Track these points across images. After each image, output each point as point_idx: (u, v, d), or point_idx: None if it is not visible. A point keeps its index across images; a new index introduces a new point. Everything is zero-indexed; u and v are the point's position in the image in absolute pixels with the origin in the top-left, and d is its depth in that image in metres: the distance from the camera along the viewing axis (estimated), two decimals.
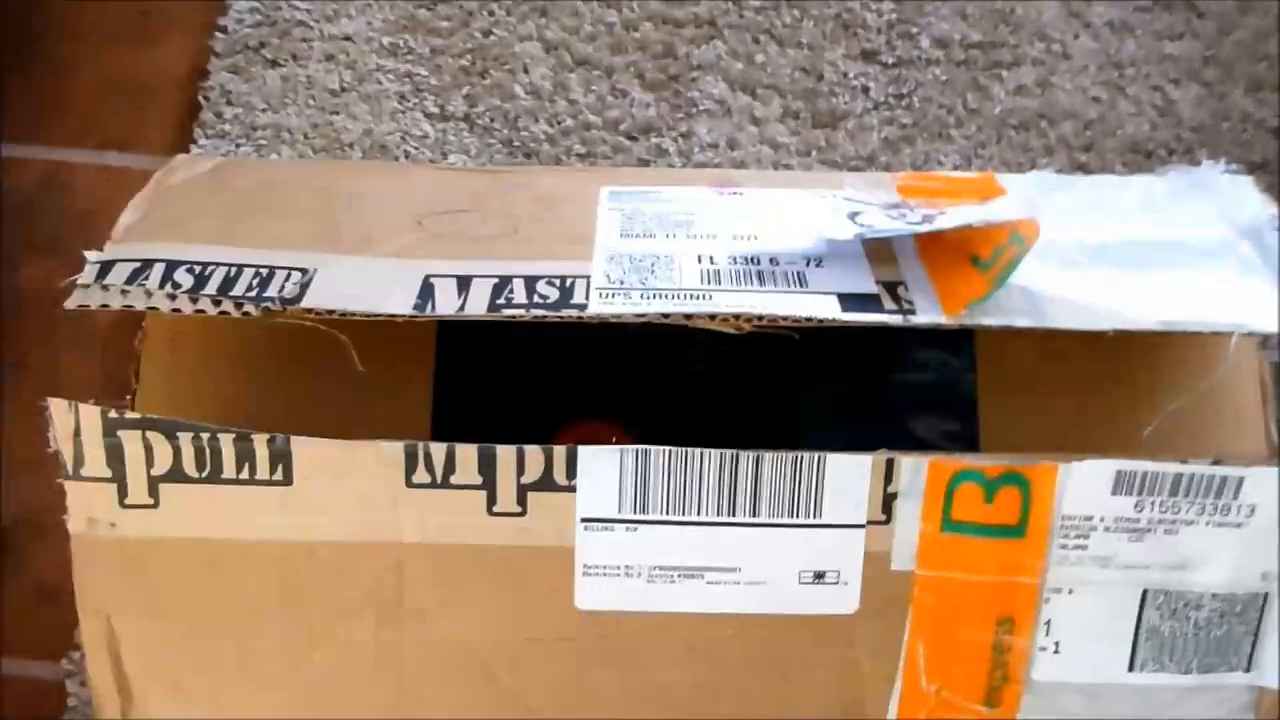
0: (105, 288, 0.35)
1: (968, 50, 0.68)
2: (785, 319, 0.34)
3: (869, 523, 0.35)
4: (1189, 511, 0.35)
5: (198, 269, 0.36)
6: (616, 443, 0.34)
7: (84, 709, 0.57)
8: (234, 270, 0.36)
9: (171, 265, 0.36)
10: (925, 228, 0.36)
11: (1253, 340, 0.41)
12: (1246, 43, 0.69)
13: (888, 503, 0.35)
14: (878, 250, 0.37)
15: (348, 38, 0.66)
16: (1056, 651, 0.37)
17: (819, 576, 0.36)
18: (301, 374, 0.42)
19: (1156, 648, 0.37)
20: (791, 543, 0.35)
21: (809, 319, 0.34)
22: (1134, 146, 0.67)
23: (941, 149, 0.66)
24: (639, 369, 0.48)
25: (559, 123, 0.65)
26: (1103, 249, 0.38)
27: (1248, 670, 0.37)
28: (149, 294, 0.35)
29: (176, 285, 0.35)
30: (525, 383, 0.47)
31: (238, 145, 0.64)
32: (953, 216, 0.37)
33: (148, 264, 0.36)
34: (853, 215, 0.38)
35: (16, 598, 0.58)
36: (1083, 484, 0.35)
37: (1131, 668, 0.37)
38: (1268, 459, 0.39)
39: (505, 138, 0.65)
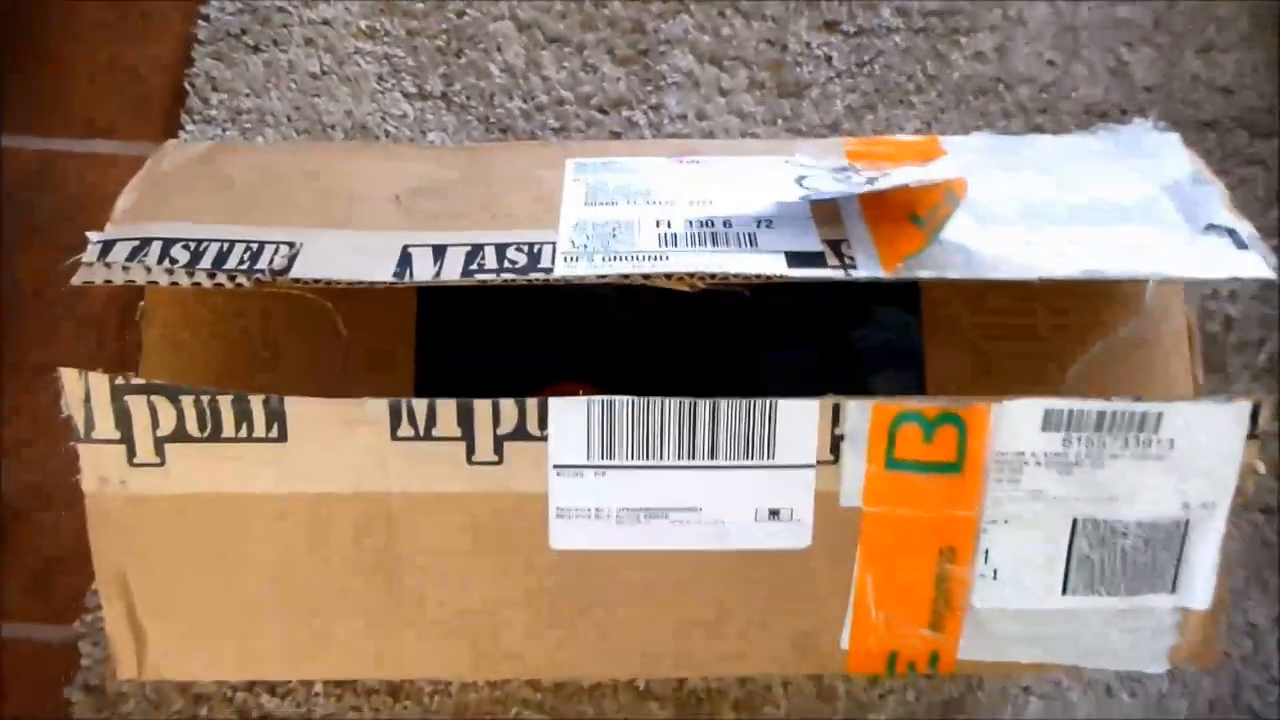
0: (107, 265, 0.38)
1: (927, 18, 0.71)
2: (736, 276, 0.37)
3: (818, 463, 0.38)
4: (1114, 446, 0.38)
5: (193, 245, 0.39)
6: (584, 395, 0.37)
7: (96, 668, 0.60)
8: (226, 246, 0.39)
9: (168, 243, 0.39)
10: (866, 188, 0.39)
11: (1179, 288, 0.44)
12: (1197, 6, 0.71)
13: (835, 444, 0.38)
14: (825, 212, 0.40)
15: (326, 22, 0.69)
16: (995, 579, 0.40)
17: (774, 514, 0.39)
18: (291, 342, 0.45)
19: (1087, 573, 0.40)
20: (747, 483, 0.38)
21: (758, 275, 0.37)
22: (1088, 108, 0.69)
23: (903, 115, 0.69)
24: (612, 340, 0.51)
25: (533, 99, 0.68)
26: (1034, 206, 0.41)
27: (1173, 592, 0.40)
28: (148, 269, 0.38)
29: (173, 261, 0.38)
30: (502, 351, 0.50)
31: (224, 129, 0.66)
32: (893, 178, 0.39)
33: (146, 242, 0.39)
34: (800, 179, 0.41)
35: (27, 567, 0.61)
36: (1014, 422, 0.38)
37: (1065, 592, 0.40)
38: (1191, 396, 0.42)
39: (482, 115, 0.67)
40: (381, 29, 0.69)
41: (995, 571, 0.40)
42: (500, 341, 0.50)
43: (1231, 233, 0.39)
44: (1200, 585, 0.40)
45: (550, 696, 0.59)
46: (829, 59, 0.70)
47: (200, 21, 0.69)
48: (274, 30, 0.68)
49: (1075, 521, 0.39)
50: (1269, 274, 0.38)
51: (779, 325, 0.50)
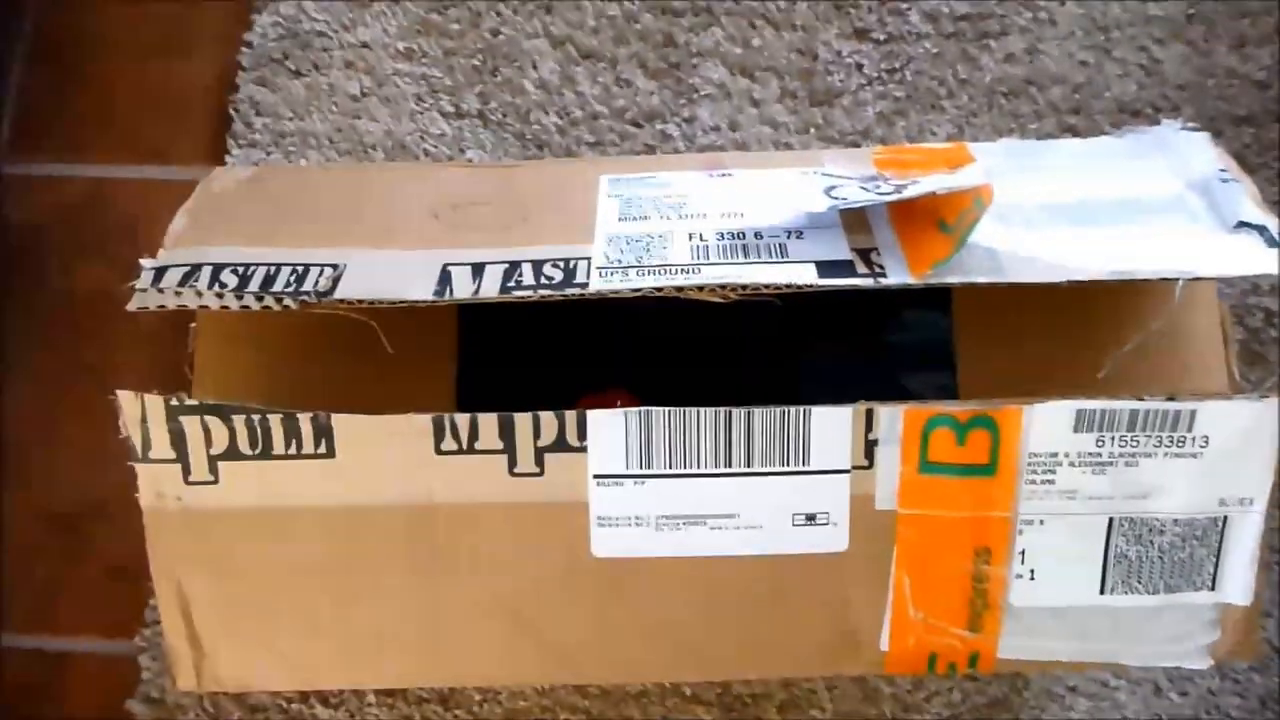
0: (161, 290, 0.39)
1: (956, 22, 0.71)
2: (767, 287, 0.38)
3: (853, 468, 0.39)
4: (1147, 444, 0.39)
5: (241, 269, 0.40)
6: (621, 405, 0.38)
7: (156, 680, 0.62)
8: (273, 269, 0.40)
9: (218, 268, 0.40)
10: (894, 197, 0.39)
11: (1211, 286, 0.44)
12: (1228, 1, 0.71)
13: (869, 449, 0.39)
14: (853, 221, 0.41)
15: (365, 45, 0.70)
16: (1032, 578, 0.40)
17: (810, 519, 0.39)
18: (337, 359, 0.46)
19: (1125, 571, 0.40)
20: (784, 489, 0.39)
21: (789, 285, 0.38)
22: (1121, 107, 0.69)
23: (935, 120, 0.69)
24: (649, 347, 0.52)
25: (568, 114, 0.69)
26: (1062, 208, 0.41)
27: (1212, 589, 0.41)
28: (199, 294, 0.39)
29: (223, 285, 0.39)
30: (541, 362, 0.51)
31: (268, 153, 0.68)
32: (921, 185, 0.40)
33: (197, 268, 0.40)
34: (829, 189, 0.41)
35: (86, 580, 0.63)
36: (1046, 423, 0.38)
37: (1103, 590, 0.40)
38: (1224, 393, 0.43)
39: (518, 131, 0.69)
40: (419, 50, 0.70)
41: (1032, 571, 0.40)
42: (539, 353, 0.51)
43: (1262, 230, 0.39)
44: (1239, 581, 0.40)
45: (597, 702, 0.60)
46: (859, 66, 0.70)
47: (243, 48, 0.71)
48: (314, 54, 0.70)
49: (1111, 520, 0.40)
50: None
51: (812, 328, 0.51)
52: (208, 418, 0.38)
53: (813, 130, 0.69)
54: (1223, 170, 0.42)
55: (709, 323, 0.51)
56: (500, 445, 0.39)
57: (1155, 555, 0.40)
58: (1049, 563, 0.40)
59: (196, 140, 0.70)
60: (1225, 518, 0.40)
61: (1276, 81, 0.69)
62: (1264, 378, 0.61)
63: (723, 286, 0.38)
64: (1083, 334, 0.45)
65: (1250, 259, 0.38)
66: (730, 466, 0.39)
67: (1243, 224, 0.39)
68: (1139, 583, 0.40)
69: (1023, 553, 0.40)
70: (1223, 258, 0.38)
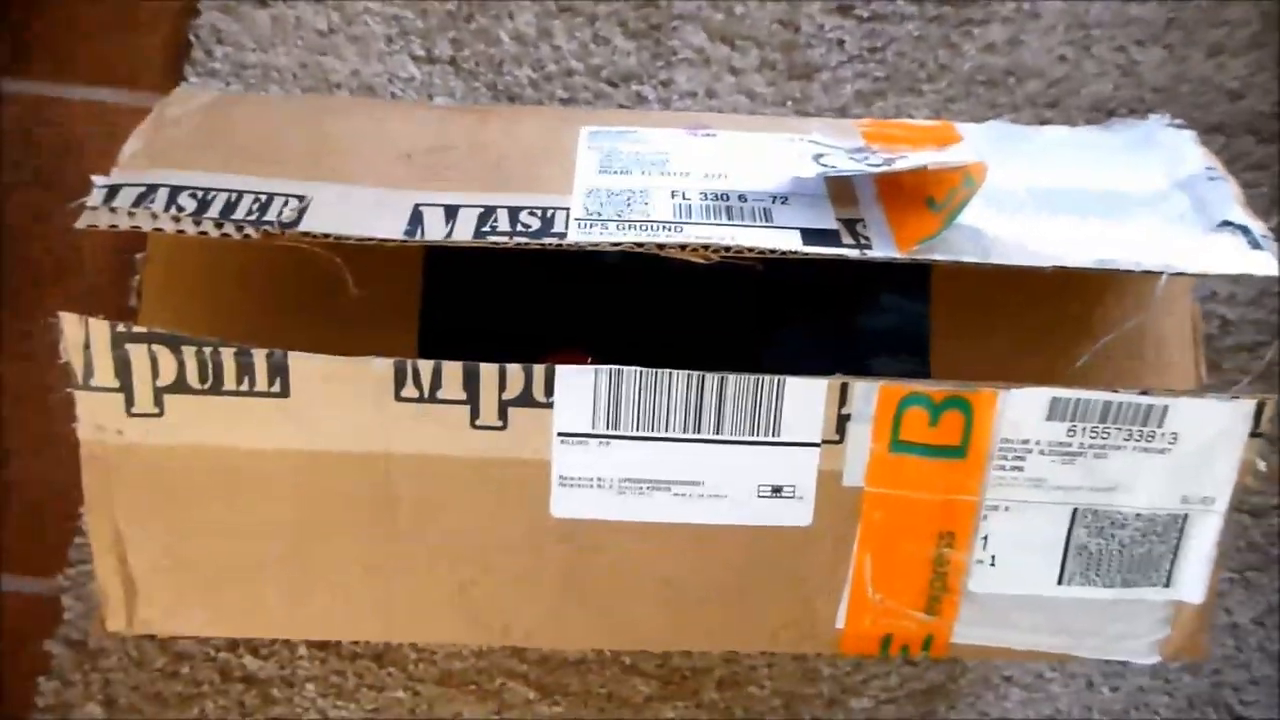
0: (112, 210, 0.37)
1: (940, 6, 0.71)
2: (751, 250, 0.37)
3: (823, 442, 0.38)
4: (1117, 437, 0.38)
5: (200, 194, 0.38)
6: (585, 363, 0.37)
7: (78, 622, 0.59)
8: (234, 196, 0.38)
9: (175, 190, 0.38)
10: (884, 169, 0.38)
11: (1188, 284, 0.44)
12: (1208, 8, 0.71)
13: (841, 423, 0.38)
14: (840, 191, 0.40)
15: None
16: (992, 565, 0.40)
17: (776, 491, 0.39)
18: (297, 296, 0.44)
19: (1084, 563, 0.40)
20: (752, 459, 0.38)
21: (773, 250, 0.37)
22: (1097, 105, 0.69)
23: (912, 103, 0.69)
24: (617, 310, 0.51)
25: (542, 68, 0.67)
26: (1048, 195, 0.41)
27: (1167, 585, 0.41)
28: (154, 216, 0.37)
29: (180, 208, 0.37)
30: (507, 315, 0.50)
31: (227, 84, 0.65)
32: (910, 160, 0.39)
33: (152, 188, 0.38)
34: (817, 157, 0.40)
35: (9, 518, 0.61)
36: (1020, 410, 0.38)
37: (1061, 581, 0.40)
38: (1197, 391, 0.43)
39: (490, 82, 0.67)
40: None
41: (993, 558, 0.40)
42: (505, 305, 0.49)
43: (1245, 230, 0.39)
44: (1194, 579, 0.40)
45: (535, 668, 0.60)
46: (841, 43, 0.69)
47: None
48: None
49: (1075, 511, 0.39)
50: None
51: (785, 305, 0.50)
52: (155, 346, 0.36)
53: (790, 103, 0.68)
54: (1210, 168, 0.42)
55: (679, 288, 0.50)
56: (463, 395, 0.37)
57: (1115, 549, 0.40)
58: (1010, 550, 0.40)
59: (151, 65, 0.67)
60: (1186, 515, 0.40)
61: (1250, 91, 0.69)
62: (1216, 384, 0.62)
63: (705, 247, 0.37)
64: (1058, 323, 0.45)
65: (1233, 259, 0.38)
66: (699, 433, 0.38)
67: (1226, 223, 0.39)
68: (1097, 575, 0.40)
69: (985, 538, 0.39)
70: (1206, 256, 0.38)
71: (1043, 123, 0.68)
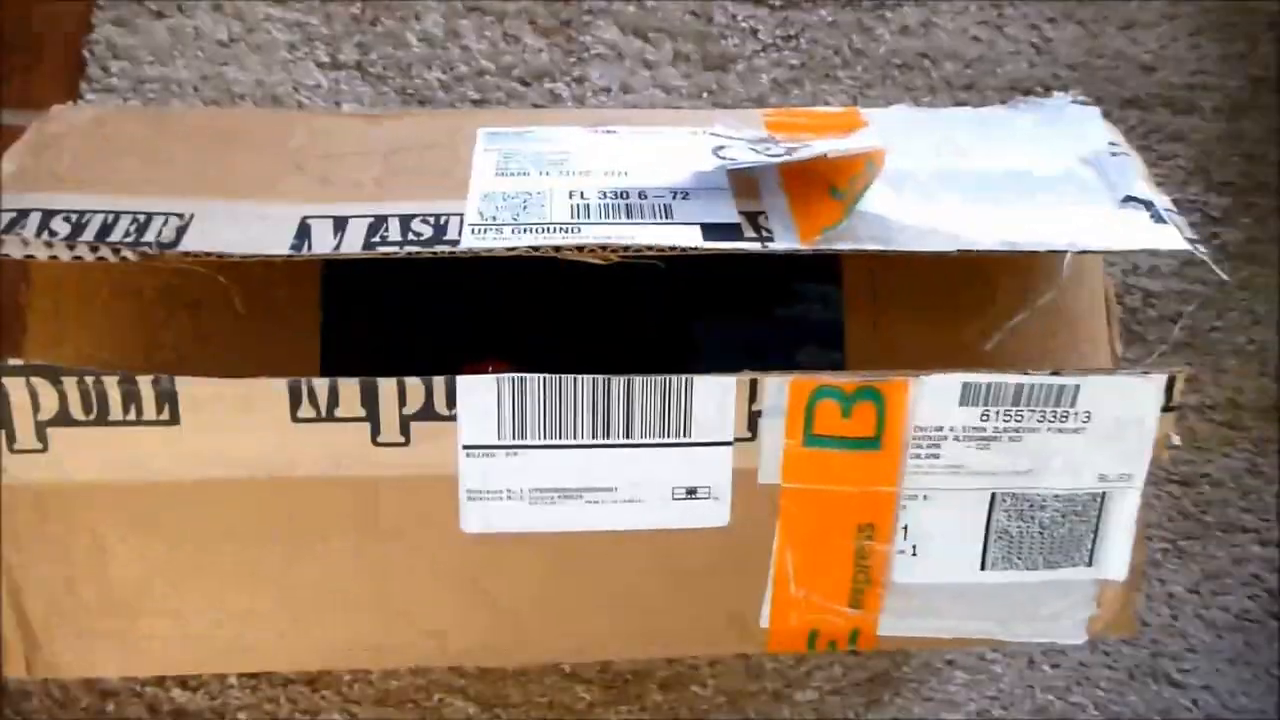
0: None
1: None
2: (650, 248, 0.36)
3: (736, 440, 0.37)
4: (1031, 419, 0.38)
5: (74, 217, 0.36)
6: (494, 373, 0.36)
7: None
8: (111, 217, 0.36)
9: (48, 214, 0.36)
10: (784, 159, 0.38)
11: (1098, 260, 0.44)
12: None
13: (753, 420, 0.37)
14: (743, 184, 0.39)
15: None
16: (914, 554, 0.39)
17: (691, 492, 0.38)
18: (188, 317, 0.43)
19: (1006, 547, 0.40)
20: (664, 461, 0.37)
21: (672, 247, 0.36)
22: (1013, 84, 0.69)
23: (829, 90, 0.68)
24: (529, 317, 0.50)
25: (452, 69, 0.66)
26: (953, 177, 0.40)
27: (1090, 565, 0.40)
28: (25, 243, 0.35)
29: (53, 233, 0.36)
30: (414, 330, 0.49)
31: (125, 99, 0.63)
32: (812, 148, 0.39)
33: (24, 214, 0.36)
34: (717, 150, 0.40)
35: None
36: (933, 396, 0.37)
37: (984, 567, 0.40)
38: (1108, 369, 0.42)
39: (399, 86, 0.65)
40: None
41: (914, 547, 0.39)
42: (411, 320, 0.48)
43: (1149, 205, 0.39)
44: (1117, 557, 0.40)
45: (474, 682, 0.58)
46: (755, 32, 0.69)
47: None
48: None
49: (994, 495, 0.39)
50: (1184, 246, 0.38)
51: (701, 299, 0.49)
52: (34, 379, 0.35)
53: (706, 95, 0.67)
54: (1113, 144, 0.42)
55: (593, 291, 0.49)
56: (363, 413, 0.36)
57: (1036, 531, 0.40)
58: (932, 539, 0.39)
59: (46, 84, 0.65)
60: (1105, 494, 0.39)
61: (1162, 64, 0.70)
62: (1142, 357, 0.62)
63: (603, 247, 0.36)
64: (971, 307, 0.45)
65: (1137, 234, 0.38)
66: (609, 437, 0.37)
67: (1130, 199, 0.39)
68: (1019, 559, 0.40)
69: (905, 528, 0.39)
70: (1110, 232, 0.38)
71: (960, 105, 0.68)
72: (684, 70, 0.68)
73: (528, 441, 0.37)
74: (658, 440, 0.37)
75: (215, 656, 0.38)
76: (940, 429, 0.38)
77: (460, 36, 0.66)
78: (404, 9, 0.67)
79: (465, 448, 0.37)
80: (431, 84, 0.65)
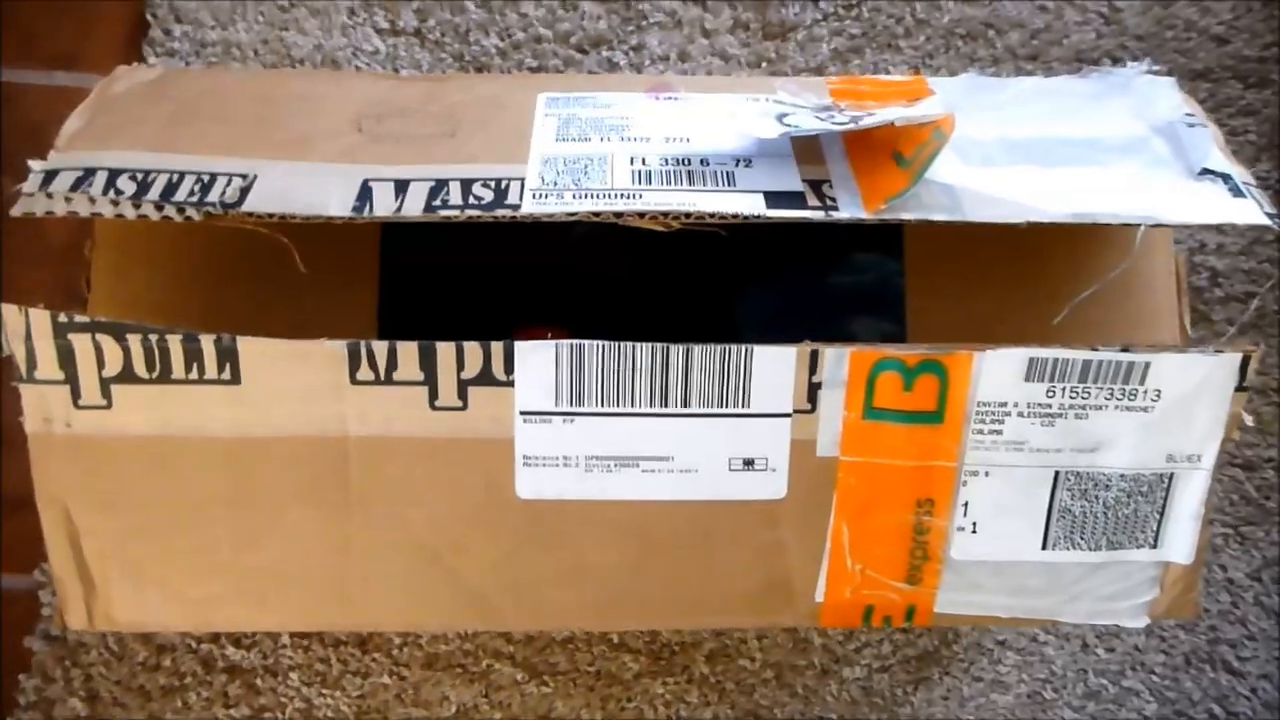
0: (49, 195, 0.36)
1: None
2: (712, 215, 0.36)
3: (795, 411, 0.37)
4: (1098, 396, 0.37)
5: (140, 175, 0.37)
6: (553, 339, 0.36)
7: (57, 617, 0.59)
8: (176, 176, 0.37)
9: (114, 173, 0.37)
10: (849, 126, 0.37)
11: (1168, 234, 0.43)
12: None
13: (812, 392, 0.37)
14: (806, 151, 0.39)
15: None
16: (974, 531, 0.39)
17: (748, 464, 0.37)
18: (249, 277, 0.43)
19: (1068, 526, 0.39)
20: (721, 432, 0.37)
21: (735, 215, 0.35)
22: (1079, 55, 0.67)
23: (890, 59, 0.67)
24: (583, 280, 0.50)
25: (510, 36, 0.65)
26: (1022, 146, 0.39)
27: (1154, 547, 0.40)
28: (92, 200, 0.36)
29: (119, 192, 0.36)
30: (469, 293, 0.49)
31: (187, 62, 0.64)
32: (878, 116, 0.38)
33: (90, 172, 0.37)
34: (781, 117, 0.39)
35: None
36: (997, 371, 0.36)
37: (1044, 546, 0.39)
38: (1179, 346, 0.41)
39: (456, 52, 0.65)
40: None
41: (974, 524, 0.39)
42: (468, 283, 0.48)
43: (1226, 178, 0.38)
44: (1182, 539, 0.39)
45: (522, 648, 0.59)
46: (815, 0, 0.67)
47: None
48: None
49: (1057, 474, 0.38)
50: (1264, 220, 0.36)
51: (756, 266, 0.49)
52: (99, 336, 0.35)
53: (765, 64, 0.66)
54: (1189, 115, 0.40)
55: (649, 254, 0.49)
56: (420, 376, 0.36)
57: (1100, 511, 0.39)
58: (992, 516, 0.38)
59: (110, 47, 0.66)
60: (1172, 474, 0.38)
61: (1234, 36, 0.67)
62: (1207, 336, 0.60)
63: (665, 214, 0.35)
64: (1037, 278, 0.44)
65: (1214, 207, 0.37)
66: (666, 406, 0.37)
67: (1207, 171, 0.38)
68: (1081, 539, 0.39)
69: (966, 504, 0.38)
70: (1186, 205, 0.37)
71: (1024, 75, 0.67)
72: (743, 38, 0.67)
73: (585, 409, 0.36)
74: (715, 410, 0.37)
75: (271, 614, 0.39)
76: (1004, 404, 0.37)
77: (518, 2, 0.66)
78: None
79: (522, 413, 0.36)
80: (489, 50, 0.65)
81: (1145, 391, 0.37)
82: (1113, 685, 0.61)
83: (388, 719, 0.58)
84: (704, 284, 0.49)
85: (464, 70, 0.65)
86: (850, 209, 0.36)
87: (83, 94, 0.66)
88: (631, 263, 0.49)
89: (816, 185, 0.37)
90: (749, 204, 0.36)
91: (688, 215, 0.35)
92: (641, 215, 0.36)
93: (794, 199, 0.36)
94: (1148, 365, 0.37)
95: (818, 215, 0.36)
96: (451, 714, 0.59)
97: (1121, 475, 0.38)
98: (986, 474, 0.38)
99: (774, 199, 0.36)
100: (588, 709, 0.59)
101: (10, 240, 0.62)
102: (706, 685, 0.59)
